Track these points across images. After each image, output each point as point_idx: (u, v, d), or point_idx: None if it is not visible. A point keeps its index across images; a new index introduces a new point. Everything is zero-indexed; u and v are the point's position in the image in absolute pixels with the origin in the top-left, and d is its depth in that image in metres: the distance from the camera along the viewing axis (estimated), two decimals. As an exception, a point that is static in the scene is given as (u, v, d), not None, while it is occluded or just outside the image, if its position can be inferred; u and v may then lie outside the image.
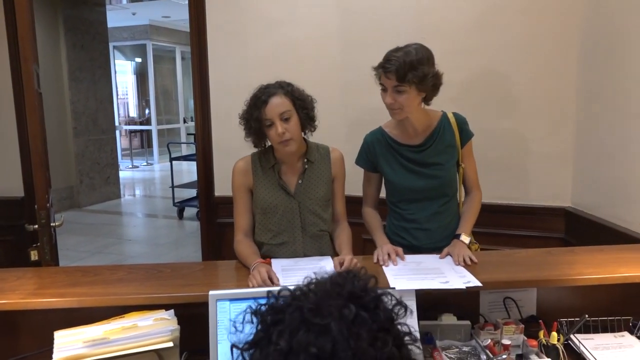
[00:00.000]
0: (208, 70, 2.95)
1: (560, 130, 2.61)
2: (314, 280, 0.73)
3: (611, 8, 2.29)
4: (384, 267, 1.69)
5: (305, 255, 1.85)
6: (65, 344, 1.29)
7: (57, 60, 6.68)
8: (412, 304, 1.42)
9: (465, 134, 1.94)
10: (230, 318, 1.35)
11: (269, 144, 1.85)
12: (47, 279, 1.67)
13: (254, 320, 0.70)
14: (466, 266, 1.67)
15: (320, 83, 2.39)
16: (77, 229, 6.05)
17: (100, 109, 7.34)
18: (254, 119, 1.75)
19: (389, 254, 1.74)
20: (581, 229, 2.52)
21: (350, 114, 2.84)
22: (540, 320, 1.54)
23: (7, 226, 2.86)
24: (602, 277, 1.59)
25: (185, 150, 11.11)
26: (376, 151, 1.96)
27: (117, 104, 11.56)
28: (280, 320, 0.67)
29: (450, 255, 1.77)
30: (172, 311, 1.42)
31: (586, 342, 1.53)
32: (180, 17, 10.29)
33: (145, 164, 11.75)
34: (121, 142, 11.86)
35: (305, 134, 1.86)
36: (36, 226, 2.03)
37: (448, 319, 1.56)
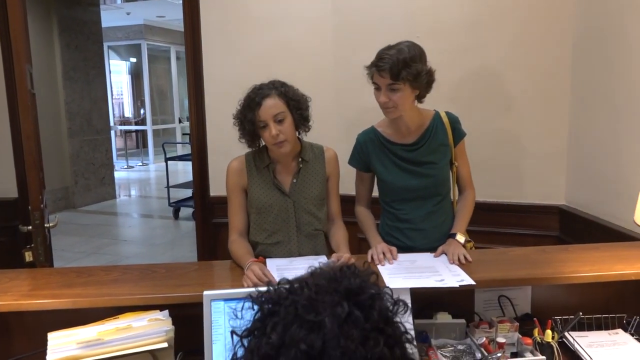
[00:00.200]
0: (203, 69, 2.95)
1: (554, 128, 2.62)
2: (314, 272, 0.73)
3: (604, 7, 2.30)
4: (379, 266, 1.69)
5: (300, 255, 1.85)
6: (59, 345, 1.28)
7: (51, 60, 6.65)
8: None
9: (458, 133, 1.95)
10: (224, 318, 1.35)
11: (263, 143, 1.84)
12: (41, 280, 1.66)
13: (254, 307, 0.71)
14: (461, 265, 1.67)
15: (314, 82, 2.39)
16: (72, 229, 6.03)
17: (94, 109, 7.31)
18: (248, 120, 1.75)
19: (383, 253, 1.74)
20: (575, 227, 2.53)
21: (344, 113, 2.84)
22: (535, 318, 1.54)
23: (0, 227, 2.84)
24: (596, 274, 1.60)
25: (181, 150, 11.07)
26: (369, 150, 1.95)
27: (112, 104, 11.55)
28: (276, 312, 0.67)
29: (445, 254, 1.77)
30: (166, 312, 1.42)
31: (580, 340, 1.54)
32: (174, 17, 10.25)
33: (141, 164, 11.70)
34: (116, 142, 11.81)
35: (299, 133, 1.86)
36: (30, 227, 2.02)
37: (443, 318, 1.57)
